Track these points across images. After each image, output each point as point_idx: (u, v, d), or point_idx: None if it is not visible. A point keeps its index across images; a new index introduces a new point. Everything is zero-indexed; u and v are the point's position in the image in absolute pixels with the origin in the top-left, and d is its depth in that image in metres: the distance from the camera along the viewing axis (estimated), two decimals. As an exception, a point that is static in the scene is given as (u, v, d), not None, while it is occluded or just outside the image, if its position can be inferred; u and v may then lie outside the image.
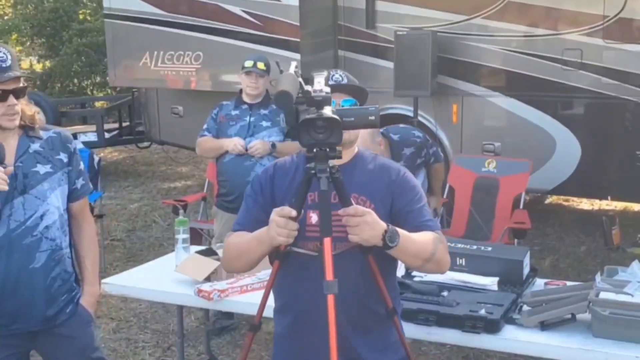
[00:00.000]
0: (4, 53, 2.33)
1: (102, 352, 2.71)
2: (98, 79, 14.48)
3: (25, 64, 14.76)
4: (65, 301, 2.53)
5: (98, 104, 11.48)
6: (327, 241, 1.94)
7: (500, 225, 4.91)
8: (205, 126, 4.43)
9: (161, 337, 4.46)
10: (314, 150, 1.97)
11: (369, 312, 2.18)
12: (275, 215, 2.00)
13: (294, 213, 2.00)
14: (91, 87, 14.75)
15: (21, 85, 2.39)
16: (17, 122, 2.39)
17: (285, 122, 4.27)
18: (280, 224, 1.99)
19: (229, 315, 4.44)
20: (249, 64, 4.29)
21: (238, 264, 2.24)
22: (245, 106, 4.36)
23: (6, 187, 2.27)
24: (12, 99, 2.34)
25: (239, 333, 4.50)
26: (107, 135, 9.34)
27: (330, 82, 2.15)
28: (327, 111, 1.95)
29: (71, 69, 14.05)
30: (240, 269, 2.28)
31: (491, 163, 5.26)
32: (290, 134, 4.29)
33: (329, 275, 1.93)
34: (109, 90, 13.22)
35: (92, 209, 5.88)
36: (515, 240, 4.70)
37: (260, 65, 4.29)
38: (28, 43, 14.73)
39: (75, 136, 8.88)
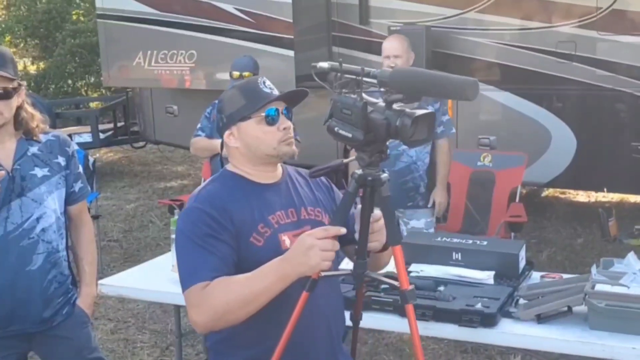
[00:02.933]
0: None
1: (100, 353, 2.71)
2: (92, 79, 14.45)
3: (19, 65, 14.72)
4: (62, 303, 2.54)
5: (93, 105, 11.47)
6: (398, 249, 1.83)
7: (497, 219, 4.92)
8: (199, 125, 4.43)
9: (159, 337, 4.46)
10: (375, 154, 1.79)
11: (343, 326, 2.14)
12: (316, 238, 1.74)
13: (343, 230, 1.78)
14: (85, 88, 14.72)
15: (11, 87, 2.37)
16: (1, 122, 2.38)
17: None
18: (328, 247, 1.74)
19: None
20: (235, 74, 4.33)
21: (243, 313, 1.80)
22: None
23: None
24: None
25: (237, 331, 4.50)
26: (102, 135, 9.33)
27: (267, 90, 1.98)
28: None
29: (65, 70, 14.02)
30: (246, 316, 1.82)
31: (487, 157, 5.26)
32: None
33: (405, 284, 1.82)
34: (104, 91, 13.20)
35: (88, 210, 5.91)
36: (512, 234, 4.70)
37: (247, 74, 4.31)
38: (22, 45, 14.68)
39: (70, 137, 8.87)
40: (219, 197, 1.92)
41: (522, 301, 2.77)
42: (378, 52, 4.33)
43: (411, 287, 1.83)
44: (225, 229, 1.88)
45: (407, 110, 1.76)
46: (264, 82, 1.99)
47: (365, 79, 1.80)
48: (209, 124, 4.38)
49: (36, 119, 2.52)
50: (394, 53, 4.22)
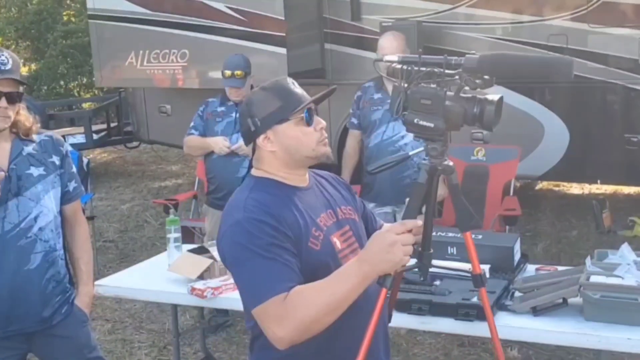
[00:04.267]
0: (6, 57, 2.40)
1: (99, 352, 2.74)
2: (84, 80, 14.42)
3: (10, 67, 14.69)
4: (60, 302, 2.56)
5: (86, 105, 11.43)
6: (469, 235, 1.92)
7: (491, 212, 4.93)
8: (192, 124, 4.43)
9: (157, 336, 4.47)
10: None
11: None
12: (396, 234, 1.71)
13: (420, 222, 1.78)
14: (78, 89, 14.69)
15: (18, 91, 2.43)
16: (5, 125, 2.43)
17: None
18: (409, 241, 1.71)
19: (224, 312, 4.45)
20: (227, 73, 4.30)
21: (328, 320, 1.73)
22: (230, 102, 4.35)
23: None
24: (3, 102, 2.38)
25: (234, 330, 4.51)
26: (95, 136, 9.30)
27: (299, 90, 1.94)
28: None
29: (57, 71, 13.98)
30: (329, 324, 1.74)
31: (480, 151, 5.27)
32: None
33: (478, 268, 1.94)
34: (96, 91, 13.17)
35: (82, 211, 5.90)
36: (507, 227, 4.71)
37: (239, 73, 4.29)
38: (13, 47, 14.63)
39: (63, 138, 8.85)
40: (271, 205, 1.82)
41: (517, 294, 2.78)
42: (371, 49, 4.36)
43: (482, 271, 1.93)
44: (287, 237, 1.79)
45: (479, 96, 1.80)
46: (294, 83, 1.94)
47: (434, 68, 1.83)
48: (202, 123, 4.37)
49: (30, 119, 2.56)
50: (391, 52, 4.23)
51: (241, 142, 4.22)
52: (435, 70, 1.83)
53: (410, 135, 4.19)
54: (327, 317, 1.72)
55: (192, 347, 4.22)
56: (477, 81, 1.79)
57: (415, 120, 1.82)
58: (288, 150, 1.89)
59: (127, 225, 7.13)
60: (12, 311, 2.44)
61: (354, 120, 4.47)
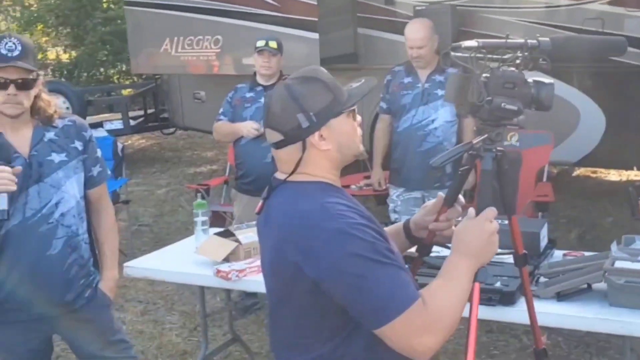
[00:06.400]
0: (14, 43, 2.36)
1: (123, 335, 2.75)
2: (123, 67, 14.61)
3: (52, 54, 14.96)
4: (84, 286, 2.58)
5: (125, 92, 11.58)
6: (515, 219, 1.97)
7: (524, 198, 4.87)
8: (221, 110, 4.45)
9: (187, 318, 4.53)
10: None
11: None
12: (490, 222, 1.69)
13: (496, 211, 1.74)
14: (117, 75, 14.88)
15: (30, 77, 2.40)
16: (17, 112, 2.41)
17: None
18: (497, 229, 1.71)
19: (253, 295, 4.50)
20: (260, 43, 4.30)
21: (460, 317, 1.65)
22: (259, 88, 4.37)
23: (14, 188, 2.29)
24: (12, 89, 2.35)
25: (264, 313, 4.55)
26: (132, 122, 9.43)
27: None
28: None
29: (96, 58, 14.18)
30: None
31: (513, 136, 5.21)
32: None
33: (521, 249, 2.02)
34: (135, 78, 13.34)
35: (118, 195, 6.01)
36: (539, 214, 4.66)
37: (272, 44, 4.29)
38: (53, 34, 14.88)
39: (101, 124, 9.01)
40: (360, 209, 1.67)
41: (542, 279, 2.76)
42: (403, 33, 4.32)
43: (524, 251, 2.00)
44: (387, 241, 1.66)
45: (534, 79, 1.86)
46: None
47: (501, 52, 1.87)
48: (231, 109, 4.40)
49: (52, 105, 2.53)
50: (417, 44, 4.24)
51: None
52: (519, 54, 1.86)
53: (440, 120, 4.27)
54: (460, 317, 1.62)
55: (221, 328, 4.27)
56: (542, 63, 1.86)
57: (502, 105, 1.82)
58: (341, 148, 1.71)
59: (162, 209, 7.24)
60: (35, 295, 2.47)
61: (383, 105, 4.47)
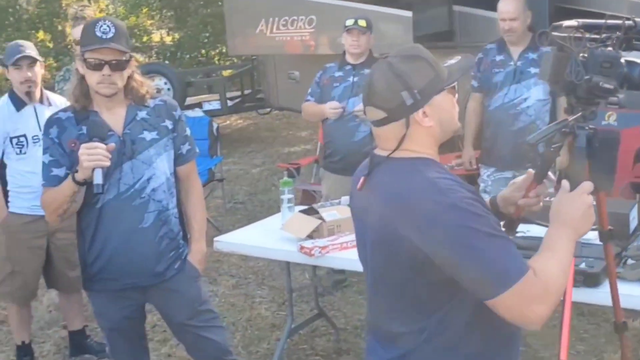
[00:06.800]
0: (108, 26, 2.49)
1: (210, 305, 2.88)
2: (224, 48, 14.92)
3: (156, 37, 15.47)
4: (173, 258, 2.70)
5: (224, 73, 11.86)
6: (602, 195, 1.99)
7: (621, 179, 4.71)
8: (309, 91, 4.53)
9: (277, 293, 4.66)
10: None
11: None
12: (588, 194, 1.70)
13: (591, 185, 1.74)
14: (218, 57, 15.22)
15: (123, 59, 2.52)
16: (111, 92, 2.54)
17: None
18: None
19: (340, 272, 4.57)
20: (349, 22, 4.32)
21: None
22: (348, 67, 4.40)
23: (108, 163, 2.43)
24: (106, 69, 2.48)
25: (351, 290, 4.62)
26: (229, 103, 9.67)
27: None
28: None
29: (198, 40, 14.56)
30: None
31: (611, 116, 5.02)
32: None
33: (607, 225, 2.02)
34: (235, 59, 13.62)
35: (213, 173, 6.22)
36: (637, 195, 4.49)
37: (362, 22, 4.30)
38: (158, 17, 15.36)
39: (200, 105, 9.29)
40: (465, 184, 1.70)
41: (630, 261, 2.68)
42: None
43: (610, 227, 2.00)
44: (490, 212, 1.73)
45: (628, 59, 1.85)
46: None
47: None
48: (318, 89, 4.46)
49: (145, 85, 2.66)
50: (510, 16, 4.16)
51: (361, 104, 4.23)
52: (616, 34, 1.86)
53: (533, 98, 4.19)
54: (564, 287, 1.67)
55: (308, 304, 4.36)
56: (637, 43, 1.87)
57: (601, 83, 1.82)
58: (442, 125, 1.74)
59: (256, 188, 7.42)
60: (128, 266, 2.62)
61: (474, 83, 4.41)
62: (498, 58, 4.26)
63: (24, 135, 3.57)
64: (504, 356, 1.78)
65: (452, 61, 1.81)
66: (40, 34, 13.46)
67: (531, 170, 1.94)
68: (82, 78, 2.56)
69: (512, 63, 4.21)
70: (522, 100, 4.19)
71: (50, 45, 13.35)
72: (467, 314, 1.69)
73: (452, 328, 1.70)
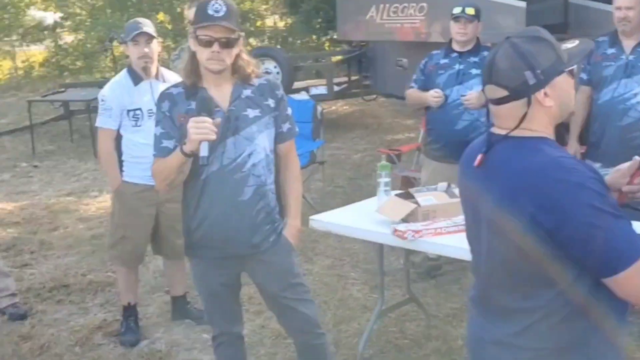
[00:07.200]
0: (220, 5, 2.61)
1: (302, 279, 2.97)
2: (335, 35, 15.05)
3: (269, 21, 15.79)
4: (269, 231, 2.81)
5: (333, 59, 11.97)
6: None
7: None
8: (413, 77, 4.55)
9: (370, 276, 4.72)
10: None
11: None
12: None
13: None
14: (328, 44, 15.37)
15: (233, 37, 2.64)
16: (220, 68, 2.66)
17: None
18: None
19: (436, 260, 4.60)
20: (457, 10, 4.30)
21: None
22: (454, 54, 4.39)
23: (214, 137, 2.55)
24: (216, 46, 2.61)
25: (445, 279, 4.63)
26: (336, 88, 9.77)
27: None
28: None
29: (310, 26, 14.75)
30: None
31: None
32: None
33: None
34: (344, 46, 13.72)
35: (315, 156, 6.34)
36: None
37: (469, 10, 4.28)
38: (271, 1, 15.67)
39: (307, 89, 9.44)
40: (585, 163, 1.77)
41: None
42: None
43: None
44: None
45: None
46: None
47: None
48: (422, 76, 4.47)
49: (251, 64, 2.77)
50: (626, 4, 4.04)
51: (472, 93, 4.23)
52: None
53: None
54: None
55: (401, 289, 4.38)
56: None
57: None
58: (561, 106, 1.80)
59: (357, 173, 7.50)
60: (226, 236, 2.75)
61: (584, 76, 4.31)
62: (609, 51, 4.16)
63: (140, 109, 3.79)
64: (615, 334, 1.80)
65: (570, 44, 1.84)
66: (160, 16, 14.04)
67: (637, 157, 1.93)
68: (194, 55, 2.70)
69: (623, 57, 4.10)
70: (632, 95, 4.07)
71: (169, 26, 13.91)
72: (584, 291, 1.72)
73: (569, 305, 1.74)
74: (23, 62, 16.46)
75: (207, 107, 2.63)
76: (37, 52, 16.73)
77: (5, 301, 4.36)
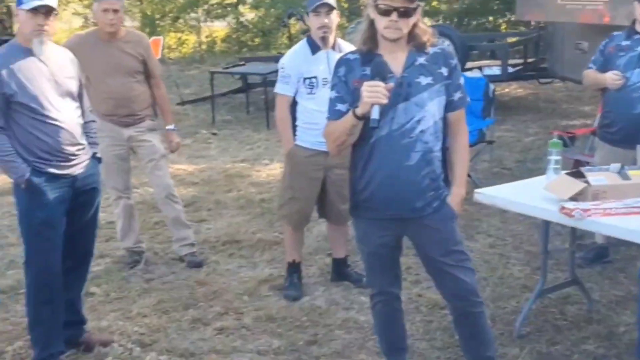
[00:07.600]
0: None
1: (462, 247, 3.00)
2: (512, 17, 14.65)
3: (434, 3, 15.65)
4: (433, 197, 2.87)
5: (509, 40, 11.67)
6: None
7: None
8: (592, 58, 4.42)
9: (533, 258, 4.64)
10: None
11: None
12: None
13: None
14: (505, 25, 15.01)
15: (411, 7, 2.71)
16: (396, 36, 2.75)
17: None
18: None
19: (603, 248, 4.46)
20: None
21: None
22: (637, 36, 4.19)
23: (385, 101, 2.65)
24: (394, 16, 2.70)
25: (612, 267, 4.47)
26: (510, 69, 9.54)
27: None
28: None
29: (488, 7, 14.47)
30: None
31: None
32: None
33: None
34: (522, 28, 13.33)
35: (483, 135, 6.29)
36: None
37: None
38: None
39: (480, 69, 9.31)
40: None
41: None
42: None
43: None
44: None
45: None
46: None
47: None
48: (601, 57, 4.33)
49: (427, 33, 2.83)
50: None
51: None
52: None
53: None
54: None
55: (564, 273, 4.28)
56: None
57: None
58: None
59: (526, 155, 7.34)
60: (390, 198, 2.84)
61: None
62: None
63: (315, 77, 3.97)
64: None
65: None
66: (337, -7, 14.31)
67: None
68: (371, 23, 2.81)
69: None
70: None
71: (345, 5, 14.18)
72: None
73: None
74: (207, 37, 17.47)
75: (381, 72, 2.72)
76: (219, 28, 17.68)
77: (185, 249, 4.77)
